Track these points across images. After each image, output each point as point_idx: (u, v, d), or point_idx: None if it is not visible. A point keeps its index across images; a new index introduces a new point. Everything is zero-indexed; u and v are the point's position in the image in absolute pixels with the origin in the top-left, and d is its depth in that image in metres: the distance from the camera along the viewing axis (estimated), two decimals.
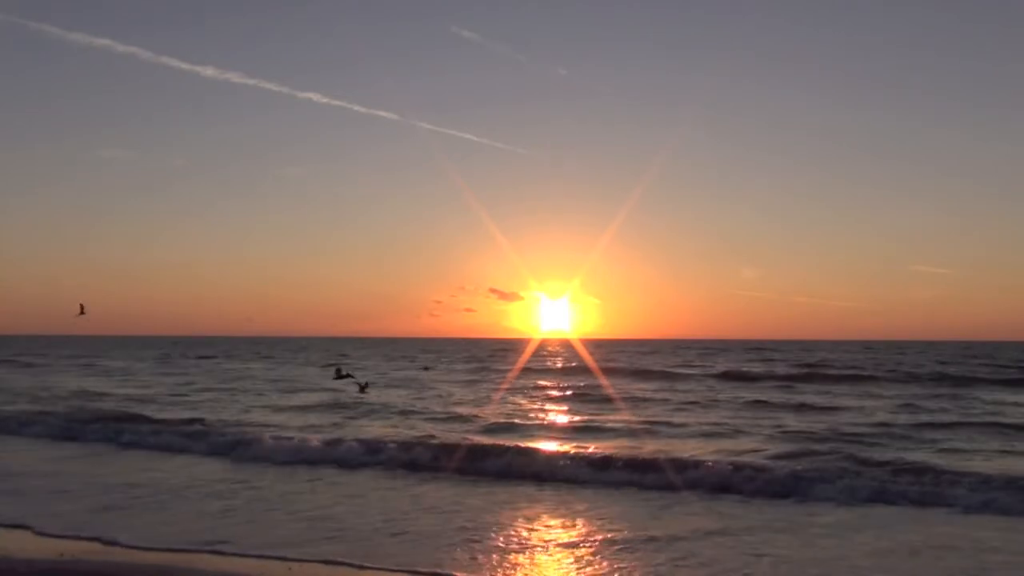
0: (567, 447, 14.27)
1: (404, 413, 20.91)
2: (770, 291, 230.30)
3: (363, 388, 36.25)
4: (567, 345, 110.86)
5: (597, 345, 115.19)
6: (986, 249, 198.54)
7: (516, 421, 19.19)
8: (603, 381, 34.42)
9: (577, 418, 20.06)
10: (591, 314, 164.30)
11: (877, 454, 13.21)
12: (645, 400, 25.04)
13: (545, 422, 19.32)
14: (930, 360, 58.11)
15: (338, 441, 14.55)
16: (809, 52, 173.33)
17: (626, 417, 19.61)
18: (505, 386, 31.12)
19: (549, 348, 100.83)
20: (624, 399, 25.31)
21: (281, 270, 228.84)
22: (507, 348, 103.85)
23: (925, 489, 10.46)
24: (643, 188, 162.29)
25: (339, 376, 37.93)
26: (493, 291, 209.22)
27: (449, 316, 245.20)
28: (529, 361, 55.28)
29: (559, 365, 49.45)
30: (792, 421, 18.75)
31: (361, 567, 7.17)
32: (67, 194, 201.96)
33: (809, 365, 47.31)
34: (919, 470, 11.43)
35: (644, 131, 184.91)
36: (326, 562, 7.33)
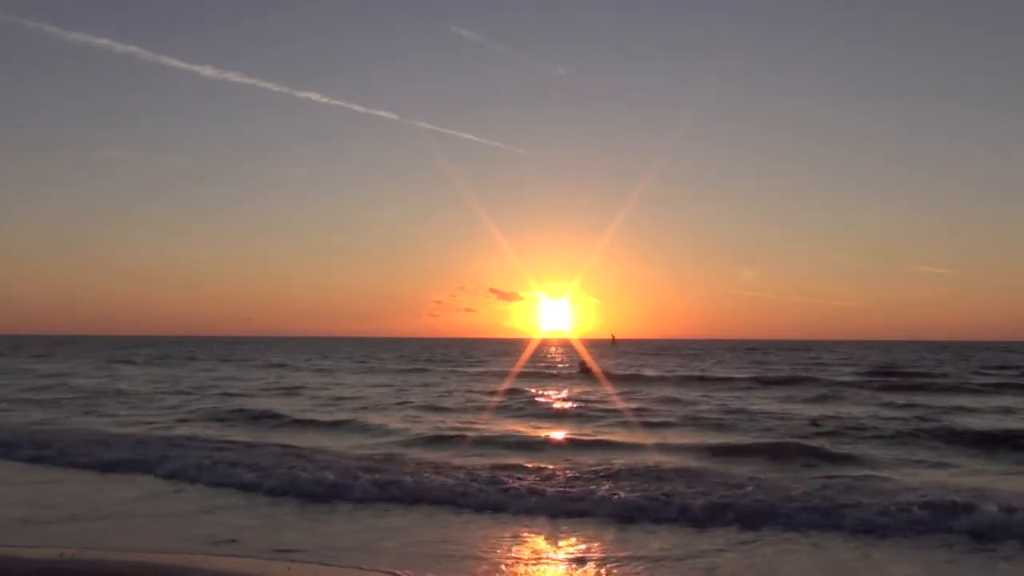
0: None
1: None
2: (769, 291, 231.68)
3: (585, 370, 37.56)
4: (566, 345, 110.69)
5: (595, 345, 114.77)
6: (986, 249, 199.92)
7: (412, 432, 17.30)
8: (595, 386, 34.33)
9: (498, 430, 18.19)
10: (591, 314, 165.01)
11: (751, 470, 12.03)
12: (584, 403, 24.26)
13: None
14: (913, 361, 57.38)
15: None
16: (809, 53, 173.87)
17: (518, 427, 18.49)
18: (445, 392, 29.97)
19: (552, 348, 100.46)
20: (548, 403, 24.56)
21: (281, 270, 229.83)
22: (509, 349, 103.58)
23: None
24: (643, 188, 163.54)
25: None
26: (493, 291, 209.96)
27: (449, 316, 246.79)
28: (495, 363, 55.40)
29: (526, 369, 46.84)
30: (703, 435, 16.74)
31: (360, 568, 7.14)
32: (67, 194, 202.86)
33: (789, 365, 46.78)
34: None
35: (644, 131, 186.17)
36: (326, 563, 7.30)
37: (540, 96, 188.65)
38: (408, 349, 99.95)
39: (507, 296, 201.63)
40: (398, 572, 6.97)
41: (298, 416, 19.99)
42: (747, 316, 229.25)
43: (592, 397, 26.58)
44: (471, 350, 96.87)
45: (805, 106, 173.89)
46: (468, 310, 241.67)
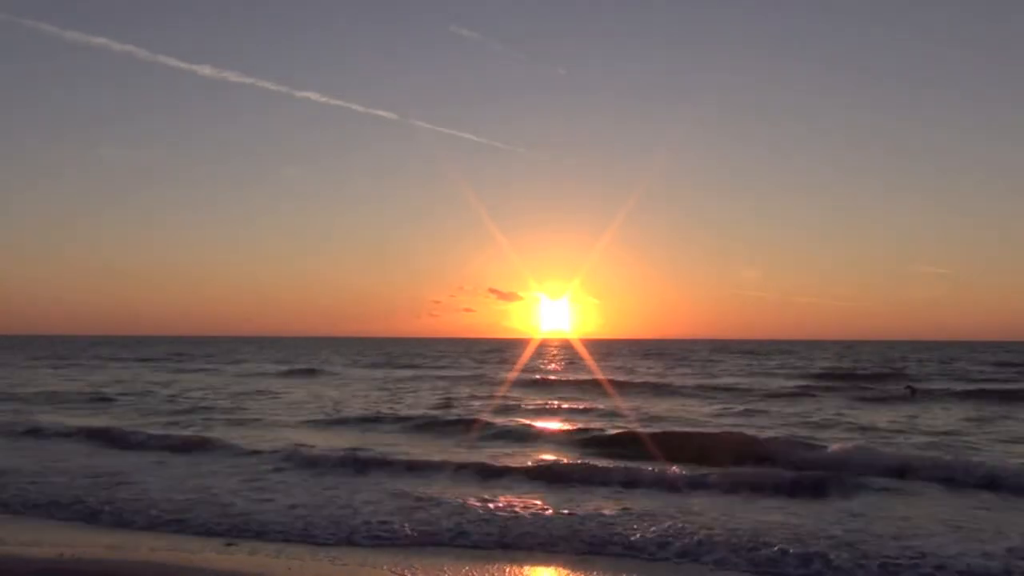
0: None
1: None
2: (771, 291, 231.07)
3: (912, 392, 35.52)
4: (566, 345, 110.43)
5: (594, 345, 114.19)
6: (986, 249, 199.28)
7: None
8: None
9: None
10: (591, 314, 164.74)
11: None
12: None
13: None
14: (896, 362, 54.94)
15: None
16: (810, 52, 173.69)
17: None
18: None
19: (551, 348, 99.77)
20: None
21: (280, 270, 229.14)
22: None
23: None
24: (643, 188, 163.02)
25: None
26: (492, 291, 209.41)
27: (448, 316, 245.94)
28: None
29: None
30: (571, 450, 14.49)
31: (362, 565, 7.13)
32: (64, 193, 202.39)
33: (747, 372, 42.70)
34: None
35: (644, 131, 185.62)
36: (329, 560, 7.30)
37: (540, 96, 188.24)
38: (394, 349, 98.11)
39: (507, 296, 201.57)
40: (398, 572, 6.96)
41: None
42: (748, 316, 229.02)
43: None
44: (450, 350, 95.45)
45: (807, 105, 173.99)
46: (467, 310, 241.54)
